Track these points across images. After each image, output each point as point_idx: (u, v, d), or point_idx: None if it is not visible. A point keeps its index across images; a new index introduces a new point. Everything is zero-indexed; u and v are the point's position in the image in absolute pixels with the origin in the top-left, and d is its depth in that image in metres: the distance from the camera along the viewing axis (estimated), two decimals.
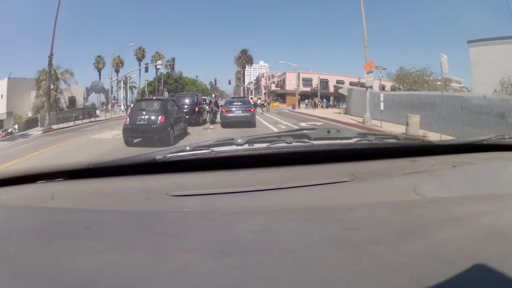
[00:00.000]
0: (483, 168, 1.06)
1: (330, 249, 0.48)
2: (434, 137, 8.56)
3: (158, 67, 38.92)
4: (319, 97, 39.78)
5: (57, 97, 29.97)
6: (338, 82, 50.46)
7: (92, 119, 24.54)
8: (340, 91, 34.68)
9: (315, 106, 37.16)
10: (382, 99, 13.68)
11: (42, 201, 0.77)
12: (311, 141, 1.16)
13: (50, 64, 20.41)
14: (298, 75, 33.77)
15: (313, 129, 1.26)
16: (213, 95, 36.19)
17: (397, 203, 0.73)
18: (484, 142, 1.34)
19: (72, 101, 32.27)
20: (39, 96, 29.08)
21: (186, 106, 14.18)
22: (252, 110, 14.21)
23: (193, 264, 0.44)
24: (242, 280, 0.40)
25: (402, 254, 0.46)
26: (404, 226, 0.57)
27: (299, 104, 34.79)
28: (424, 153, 1.25)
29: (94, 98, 36.33)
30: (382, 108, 13.45)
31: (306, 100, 37.65)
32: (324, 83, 47.44)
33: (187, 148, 1.04)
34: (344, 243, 0.50)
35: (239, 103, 14.47)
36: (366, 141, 1.24)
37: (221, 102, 21.85)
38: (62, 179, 0.98)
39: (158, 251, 0.48)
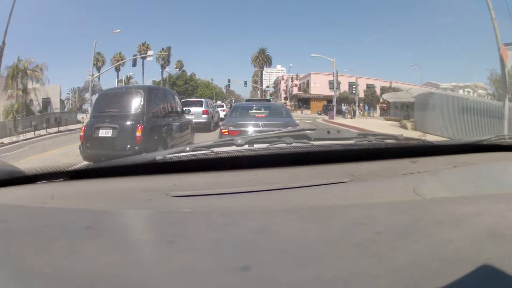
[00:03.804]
0: (483, 168, 1.05)
1: (329, 249, 0.48)
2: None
3: (148, 59, 32.67)
4: (357, 103, 32.17)
5: (29, 99, 23.81)
6: (368, 86, 43.63)
7: (63, 128, 18.09)
8: (387, 98, 27.49)
9: (354, 114, 29.70)
10: None
11: (42, 202, 0.78)
12: (311, 142, 1.16)
13: None
14: (336, 74, 25.70)
15: (313, 129, 1.26)
16: (233, 100, 29.36)
17: (397, 203, 0.73)
18: (484, 143, 1.35)
19: (46, 103, 25.94)
20: (8, 97, 23.02)
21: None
22: None
23: (193, 265, 0.44)
24: (242, 280, 0.40)
25: (402, 254, 0.46)
26: (404, 226, 0.57)
27: (332, 111, 27.12)
28: (424, 154, 1.25)
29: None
30: None
31: (344, 107, 30.05)
32: (351, 86, 40.57)
33: (187, 148, 1.04)
34: (344, 243, 0.50)
35: (262, 113, 6.41)
36: (366, 141, 1.23)
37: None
38: (62, 179, 0.99)
39: (158, 252, 0.49)
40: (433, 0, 73.90)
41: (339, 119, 24.44)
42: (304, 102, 45.17)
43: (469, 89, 34.41)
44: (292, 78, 46.93)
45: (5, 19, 15.28)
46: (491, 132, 9.55)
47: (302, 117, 26.68)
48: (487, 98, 21.09)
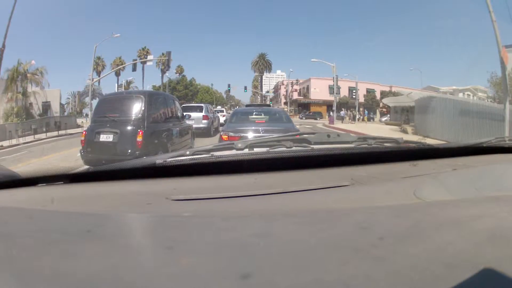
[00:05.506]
0: (483, 170, 1.05)
1: (330, 253, 0.48)
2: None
3: (148, 63, 32.78)
4: (357, 107, 32.22)
5: (29, 102, 23.77)
6: (368, 90, 43.68)
7: (63, 132, 18.06)
8: (387, 102, 27.49)
9: (353, 119, 29.76)
10: None
11: (42, 204, 0.78)
12: (311, 146, 1.16)
13: None
14: (336, 79, 25.65)
15: (313, 133, 1.25)
16: (237, 107, 29.38)
17: (397, 206, 0.73)
18: (484, 145, 1.34)
19: (45, 107, 25.87)
20: (8, 100, 23.00)
21: None
22: None
23: (193, 269, 0.44)
24: (242, 284, 0.40)
25: (402, 258, 0.47)
26: (404, 229, 0.57)
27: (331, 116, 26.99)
28: (424, 157, 1.25)
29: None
30: None
31: (342, 112, 30.12)
32: (351, 91, 40.64)
33: (187, 152, 1.04)
34: (344, 246, 0.50)
35: (262, 118, 6.29)
36: (366, 145, 1.23)
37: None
38: (62, 182, 0.98)
39: (158, 255, 0.49)
40: (433, 4, 74.57)
41: (338, 124, 24.44)
42: (304, 107, 45.20)
43: (469, 93, 34.57)
44: (292, 83, 47.00)
45: (5, 22, 15.31)
46: (492, 134, 9.51)
47: (302, 122, 26.66)
48: (487, 101, 21.11)
